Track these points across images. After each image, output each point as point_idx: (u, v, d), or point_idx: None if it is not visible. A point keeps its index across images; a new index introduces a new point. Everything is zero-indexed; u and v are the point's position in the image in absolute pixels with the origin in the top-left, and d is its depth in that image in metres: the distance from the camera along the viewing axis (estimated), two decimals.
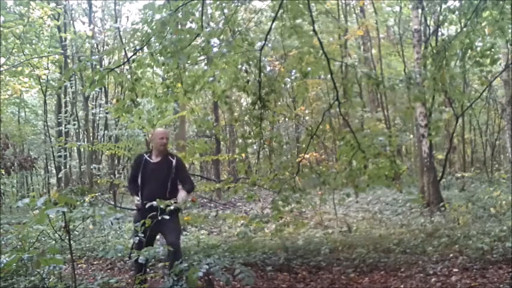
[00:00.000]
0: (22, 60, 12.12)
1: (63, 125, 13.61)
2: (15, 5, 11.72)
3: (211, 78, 5.42)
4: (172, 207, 3.66)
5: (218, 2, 5.39)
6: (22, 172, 14.30)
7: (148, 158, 4.28)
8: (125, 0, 14.86)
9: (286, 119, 15.89)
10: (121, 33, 7.69)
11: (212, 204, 12.25)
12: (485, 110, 15.96)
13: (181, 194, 4.11)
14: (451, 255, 4.97)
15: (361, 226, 7.97)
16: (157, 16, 4.25)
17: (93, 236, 7.42)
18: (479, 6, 5.27)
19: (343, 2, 14.21)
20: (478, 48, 5.56)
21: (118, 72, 4.90)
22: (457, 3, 6.67)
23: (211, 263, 3.63)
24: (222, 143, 15.91)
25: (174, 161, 4.24)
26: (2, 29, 10.52)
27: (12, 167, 10.41)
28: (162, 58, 4.54)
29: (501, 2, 5.19)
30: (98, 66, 7.66)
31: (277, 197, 5.56)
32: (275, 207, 5.47)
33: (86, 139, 13.85)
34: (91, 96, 13.99)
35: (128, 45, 4.85)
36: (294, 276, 4.73)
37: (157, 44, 4.37)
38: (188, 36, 4.42)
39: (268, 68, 9.90)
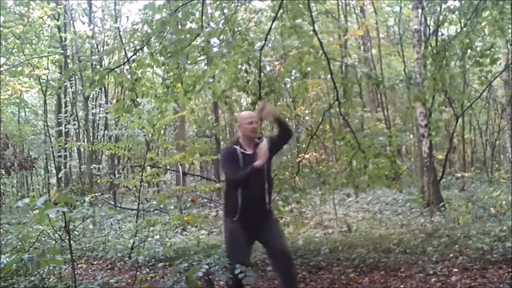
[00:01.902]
0: (22, 60, 12.12)
1: (63, 125, 13.62)
2: (15, 5, 11.73)
3: (211, 79, 5.42)
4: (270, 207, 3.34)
5: (218, 2, 5.39)
6: (22, 172, 14.29)
7: (243, 150, 3.37)
8: (125, 0, 14.87)
9: (286, 119, 15.86)
10: (121, 33, 7.70)
11: (212, 204, 12.24)
12: (485, 110, 15.95)
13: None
14: (451, 255, 4.97)
15: (361, 226, 7.97)
16: (157, 16, 4.25)
17: (93, 236, 7.42)
18: (479, 6, 5.27)
19: (343, 2, 14.20)
20: (478, 48, 5.56)
21: (118, 72, 4.90)
22: (457, 3, 6.68)
23: (211, 263, 3.62)
24: (222, 143, 15.89)
25: (264, 141, 3.34)
26: (2, 29, 10.52)
27: (12, 167, 10.40)
28: (162, 58, 4.54)
29: (501, 2, 5.19)
30: (98, 66, 7.67)
31: (277, 197, 5.57)
32: (275, 207, 5.47)
33: (86, 139, 13.86)
34: (91, 96, 14.00)
35: (128, 45, 4.85)
36: None
37: (157, 44, 4.37)
38: (188, 36, 4.42)
39: (268, 68, 9.89)
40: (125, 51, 4.81)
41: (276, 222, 3.58)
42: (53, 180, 16.26)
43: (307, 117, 16.50)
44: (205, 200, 12.40)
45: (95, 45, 13.92)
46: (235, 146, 3.39)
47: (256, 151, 3.29)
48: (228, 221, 3.41)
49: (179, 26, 4.44)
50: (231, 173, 3.36)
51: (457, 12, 5.99)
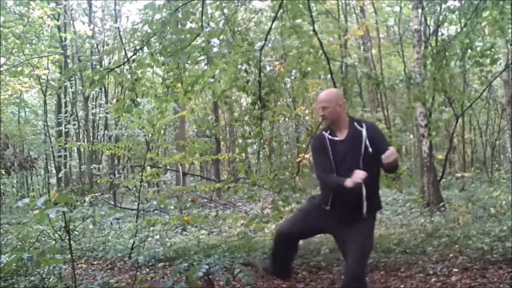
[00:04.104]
0: (22, 60, 12.13)
1: (63, 125, 13.62)
2: (15, 5, 11.73)
3: (211, 79, 5.43)
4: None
5: (218, 2, 5.40)
6: (22, 172, 14.30)
7: (331, 137, 2.91)
8: (125, 0, 14.87)
9: (286, 119, 15.87)
10: (121, 33, 7.69)
11: (212, 204, 12.25)
12: (485, 110, 15.95)
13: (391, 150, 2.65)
14: (451, 255, 4.97)
15: None
16: (157, 16, 4.25)
17: (93, 236, 7.42)
18: (479, 6, 5.28)
19: (343, 2, 14.20)
20: (478, 48, 5.56)
21: (118, 72, 4.91)
22: (457, 3, 6.68)
23: (211, 263, 3.63)
24: (222, 143, 15.91)
25: (364, 131, 2.83)
26: (2, 29, 10.53)
27: (12, 167, 10.41)
28: (162, 58, 4.54)
29: (501, 2, 5.19)
30: (98, 66, 7.65)
31: (277, 197, 5.57)
32: (275, 207, 5.47)
33: (86, 139, 13.86)
34: (91, 96, 14.00)
35: (128, 45, 4.86)
36: (294, 276, 4.72)
37: (157, 44, 4.38)
38: (188, 36, 4.42)
39: (268, 68, 9.89)
40: (125, 51, 4.81)
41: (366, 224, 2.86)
42: (53, 180, 16.26)
43: (307, 117, 16.50)
44: (205, 200, 12.41)
45: (95, 45, 13.92)
46: (324, 133, 2.95)
47: (348, 136, 2.83)
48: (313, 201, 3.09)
49: (179, 26, 4.44)
50: (322, 176, 2.92)
51: (457, 12, 6.00)
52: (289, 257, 3.17)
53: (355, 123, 2.90)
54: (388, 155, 2.62)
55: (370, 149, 2.77)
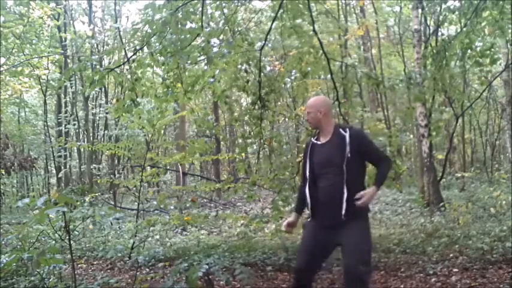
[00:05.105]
0: (22, 60, 12.13)
1: (63, 125, 13.62)
2: (15, 5, 11.73)
3: (211, 79, 5.42)
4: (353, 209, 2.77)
5: (218, 2, 5.39)
6: (22, 172, 14.31)
7: (315, 141, 3.02)
8: (125, 0, 14.87)
9: (286, 119, 15.88)
10: (121, 33, 7.69)
11: (212, 204, 12.26)
12: (485, 110, 15.95)
13: (369, 191, 2.82)
14: (451, 255, 4.97)
15: None
16: (158, 16, 4.25)
17: (93, 236, 7.42)
18: (479, 6, 5.27)
19: (343, 2, 14.20)
20: (478, 48, 5.56)
21: (118, 72, 4.91)
22: (457, 3, 6.68)
23: (211, 263, 3.63)
24: (222, 143, 15.91)
25: (347, 136, 2.86)
26: (2, 29, 10.53)
27: (12, 167, 10.41)
28: (162, 58, 4.54)
29: (501, 2, 5.19)
30: (98, 66, 7.66)
31: (277, 197, 5.57)
32: (275, 207, 5.47)
33: (86, 139, 13.86)
34: (91, 96, 14.00)
35: (128, 45, 4.85)
36: None
37: (157, 44, 4.37)
38: (188, 36, 4.42)
39: (268, 68, 9.90)
40: (125, 51, 4.81)
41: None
42: (53, 180, 16.27)
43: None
44: (205, 200, 12.42)
45: (95, 45, 13.92)
46: (311, 138, 3.08)
47: (330, 140, 2.92)
48: None
49: (179, 26, 4.44)
50: (299, 187, 3.17)
51: (457, 12, 5.99)
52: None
53: (340, 129, 2.95)
54: (361, 195, 2.75)
55: (349, 155, 2.81)
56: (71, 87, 13.96)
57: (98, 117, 14.32)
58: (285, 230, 3.12)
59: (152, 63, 4.64)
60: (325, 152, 2.92)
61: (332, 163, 2.86)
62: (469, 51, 5.52)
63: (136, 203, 7.86)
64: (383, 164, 2.99)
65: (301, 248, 3.09)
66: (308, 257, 2.91)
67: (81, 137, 15.47)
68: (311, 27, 5.03)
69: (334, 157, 2.85)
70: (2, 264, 2.58)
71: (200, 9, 4.65)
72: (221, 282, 3.90)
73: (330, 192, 2.84)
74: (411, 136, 16.26)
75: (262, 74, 5.56)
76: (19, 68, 11.82)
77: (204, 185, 7.59)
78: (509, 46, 9.94)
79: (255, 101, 5.66)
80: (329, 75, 5.23)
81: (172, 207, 8.18)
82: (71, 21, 14.37)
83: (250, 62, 5.62)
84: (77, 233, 6.84)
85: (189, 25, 4.70)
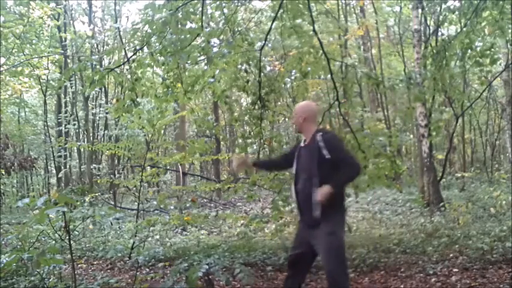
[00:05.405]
0: (22, 60, 12.13)
1: (63, 125, 13.62)
2: (15, 5, 11.73)
3: (211, 79, 5.42)
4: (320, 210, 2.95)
5: (218, 2, 5.39)
6: (22, 172, 14.30)
7: (302, 144, 3.24)
8: (125, 0, 14.87)
9: (286, 119, 15.88)
10: (121, 33, 7.69)
11: (212, 204, 12.26)
12: (485, 110, 15.95)
13: (323, 188, 2.91)
14: (451, 255, 4.97)
15: (361, 226, 7.96)
16: (158, 16, 4.25)
17: (93, 236, 7.42)
18: (479, 6, 5.28)
19: (343, 2, 14.21)
20: (478, 48, 5.56)
21: (118, 72, 4.91)
22: (457, 3, 6.68)
23: (211, 263, 3.63)
24: (222, 143, 15.91)
25: (321, 141, 3.01)
26: (2, 29, 10.52)
27: (12, 167, 10.41)
28: (162, 58, 4.54)
29: (501, 2, 5.19)
30: (98, 66, 7.65)
31: (277, 197, 5.57)
32: (275, 207, 5.47)
33: (86, 139, 13.86)
34: (91, 96, 14.01)
35: (128, 45, 4.85)
36: None
37: (157, 44, 4.37)
38: (188, 36, 4.42)
39: (268, 68, 9.90)
40: (125, 51, 4.81)
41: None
42: (53, 180, 16.27)
43: None
44: (205, 200, 12.42)
45: (95, 45, 13.92)
46: (302, 141, 3.28)
47: (308, 144, 3.12)
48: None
49: (179, 26, 4.44)
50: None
51: (457, 12, 5.99)
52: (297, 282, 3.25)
53: (317, 133, 3.10)
54: (320, 192, 2.91)
55: (321, 159, 2.98)
56: (71, 87, 13.96)
57: (98, 117, 14.31)
58: (234, 166, 3.45)
59: (152, 63, 4.64)
60: (303, 155, 3.15)
61: (306, 167, 3.07)
62: (469, 51, 5.53)
63: (136, 203, 7.86)
64: (348, 168, 3.02)
65: (293, 242, 3.35)
66: (297, 250, 3.16)
67: (81, 137, 15.47)
68: (311, 27, 5.03)
69: (309, 161, 3.05)
70: (2, 264, 2.58)
71: (200, 9, 4.65)
72: (221, 282, 3.90)
73: (304, 194, 3.05)
74: (411, 136, 16.26)
75: (262, 74, 5.56)
76: (19, 68, 11.82)
77: (204, 185, 7.59)
78: (509, 46, 9.94)
79: (255, 101, 5.66)
80: (329, 75, 5.22)
81: (172, 207, 8.18)
82: (71, 21, 14.38)
83: (250, 62, 5.62)
84: (77, 233, 6.85)
85: (189, 25, 4.70)
